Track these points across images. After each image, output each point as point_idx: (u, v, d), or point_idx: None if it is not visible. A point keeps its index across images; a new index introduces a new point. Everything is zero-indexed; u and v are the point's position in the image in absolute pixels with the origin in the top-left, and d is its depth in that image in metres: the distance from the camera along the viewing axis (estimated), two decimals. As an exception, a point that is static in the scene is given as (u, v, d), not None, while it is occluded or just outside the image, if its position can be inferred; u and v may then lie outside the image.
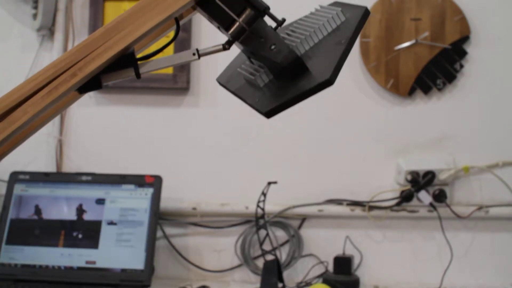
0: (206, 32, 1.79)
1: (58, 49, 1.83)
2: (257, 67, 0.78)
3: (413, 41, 1.68)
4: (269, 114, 0.70)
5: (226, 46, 0.75)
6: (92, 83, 0.72)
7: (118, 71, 0.74)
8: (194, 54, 0.77)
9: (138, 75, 0.75)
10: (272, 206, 1.68)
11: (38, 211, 1.65)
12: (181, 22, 0.80)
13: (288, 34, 0.79)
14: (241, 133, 1.77)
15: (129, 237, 1.61)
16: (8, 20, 1.87)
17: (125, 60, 0.73)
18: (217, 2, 0.73)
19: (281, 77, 0.73)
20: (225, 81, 0.87)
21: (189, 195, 1.75)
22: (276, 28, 0.76)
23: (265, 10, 0.74)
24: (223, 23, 0.73)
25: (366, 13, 0.74)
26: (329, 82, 0.66)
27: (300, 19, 0.83)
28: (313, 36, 0.76)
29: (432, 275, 1.67)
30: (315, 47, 0.75)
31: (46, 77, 0.70)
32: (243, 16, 0.73)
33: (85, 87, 0.73)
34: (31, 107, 0.70)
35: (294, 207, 1.71)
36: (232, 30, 0.73)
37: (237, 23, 0.73)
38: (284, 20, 0.76)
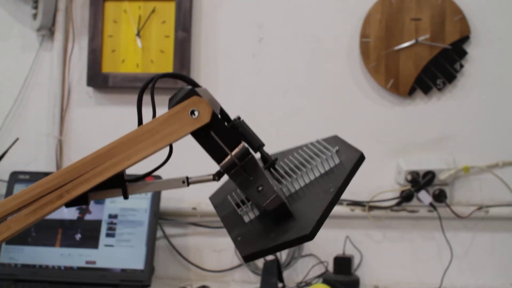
0: (206, 32, 1.79)
1: (58, 49, 1.83)
2: (245, 199, 0.78)
3: (413, 41, 1.68)
4: (247, 258, 0.69)
5: (216, 178, 0.74)
6: (79, 200, 0.73)
7: (106, 190, 0.74)
8: (183, 182, 0.77)
9: (126, 196, 0.75)
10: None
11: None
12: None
13: (281, 167, 0.79)
14: (241, 133, 1.77)
15: (129, 237, 1.61)
16: (8, 20, 1.87)
17: (114, 180, 0.73)
18: (212, 135, 0.73)
19: (266, 217, 0.72)
20: (215, 204, 0.86)
21: (189, 195, 1.74)
22: (267, 167, 0.75)
23: (259, 147, 0.75)
24: (216, 156, 0.73)
25: (360, 159, 0.74)
26: (308, 237, 0.66)
27: (297, 150, 0.83)
28: (305, 176, 0.76)
29: (432, 275, 1.67)
30: (306, 187, 0.75)
31: (32, 196, 0.71)
32: (236, 150, 0.73)
33: (71, 203, 0.73)
34: (15, 223, 0.70)
35: (294, 207, 1.70)
36: (223, 163, 0.73)
37: (229, 157, 0.73)
38: (276, 159, 0.76)
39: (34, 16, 1.81)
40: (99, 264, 1.59)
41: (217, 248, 1.76)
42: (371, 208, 1.69)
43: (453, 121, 1.71)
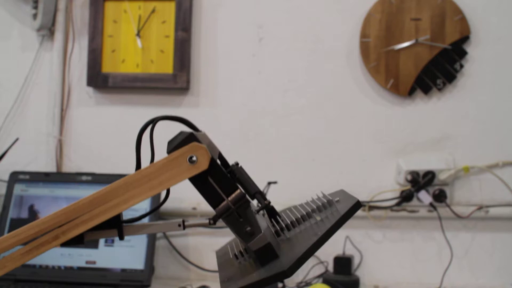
0: (206, 32, 1.79)
1: (58, 49, 1.83)
2: (243, 249, 0.80)
3: (413, 41, 1.68)
4: None
5: (211, 222, 0.76)
6: (74, 240, 0.73)
7: (102, 231, 0.75)
8: (179, 225, 0.77)
9: (121, 237, 0.76)
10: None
11: (38, 211, 1.65)
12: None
13: (284, 219, 0.80)
14: (241, 133, 1.77)
15: (129, 237, 1.61)
16: (8, 20, 1.87)
17: (110, 221, 0.74)
18: (210, 181, 0.73)
19: (256, 259, 0.74)
20: (219, 255, 0.90)
21: (189, 195, 1.73)
22: (259, 210, 0.77)
23: (256, 194, 0.76)
24: (212, 202, 0.74)
25: (355, 206, 0.75)
26: (285, 274, 0.68)
27: (302, 204, 0.85)
28: (301, 223, 0.78)
29: (432, 275, 1.67)
30: (300, 233, 0.76)
31: (28, 235, 0.71)
32: (232, 196, 0.73)
33: (67, 243, 0.74)
34: (10, 262, 0.71)
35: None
36: (219, 208, 0.74)
37: (225, 202, 0.74)
38: (269, 202, 0.77)
39: (34, 16, 1.81)
40: (99, 264, 1.59)
41: (217, 248, 1.75)
42: (371, 208, 1.69)
43: (453, 121, 1.71)
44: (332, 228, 0.73)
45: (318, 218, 0.78)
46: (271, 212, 0.79)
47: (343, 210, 0.75)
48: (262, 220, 0.78)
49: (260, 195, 0.76)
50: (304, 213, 0.80)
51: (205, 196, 0.74)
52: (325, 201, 0.81)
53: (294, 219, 0.79)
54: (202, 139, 0.74)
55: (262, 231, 0.73)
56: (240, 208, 0.73)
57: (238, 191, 0.73)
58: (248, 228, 0.73)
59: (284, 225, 0.77)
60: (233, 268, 0.77)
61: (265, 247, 0.72)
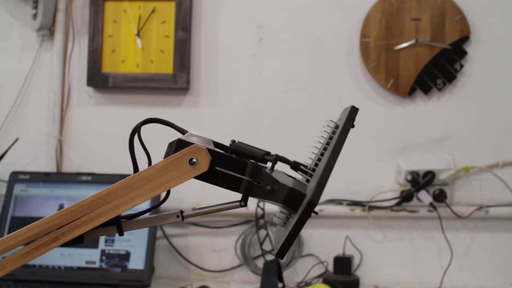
0: (206, 32, 1.79)
1: (58, 49, 1.83)
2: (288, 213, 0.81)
3: (413, 41, 1.68)
4: (278, 255, 0.71)
5: (242, 203, 0.76)
6: (74, 240, 0.74)
7: (101, 228, 0.75)
8: (178, 216, 0.77)
9: (121, 234, 0.76)
10: (272, 206, 1.68)
11: (38, 211, 1.65)
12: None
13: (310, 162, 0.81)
14: (241, 133, 1.77)
15: (129, 237, 1.61)
16: (8, 20, 1.87)
17: (109, 219, 0.74)
18: (221, 171, 0.74)
19: (291, 210, 0.75)
20: (274, 232, 0.91)
21: (189, 195, 1.74)
22: (272, 166, 0.78)
23: (264, 157, 0.77)
24: (232, 186, 0.75)
25: (351, 112, 0.76)
26: (312, 204, 0.68)
27: (318, 142, 0.86)
28: (317, 157, 0.79)
29: (432, 275, 1.67)
30: (317, 165, 0.77)
31: (28, 236, 0.72)
32: (247, 171, 0.75)
33: (67, 243, 0.74)
34: (10, 263, 0.72)
35: (294, 207, 1.70)
36: (241, 188, 0.75)
37: (244, 180, 0.75)
38: (277, 155, 0.78)
39: (34, 16, 1.81)
40: (99, 264, 1.59)
41: (217, 248, 1.76)
42: (371, 208, 1.69)
43: (453, 121, 1.71)
44: (337, 144, 0.74)
45: (330, 144, 0.79)
46: (295, 166, 0.80)
47: (342, 123, 0.77)
48: (285, 177, 0.79)
49: (267, 155, 0.78)
50: (322, 149, 0.81)
51: (223, 185, 0.75)
52: (333, 127, 0.82)
53: (316, 161, 0.80)
54: (195, 140, 0.75)
55: (280, 182, 0.74)
56: (256, 176, 0.75)
57: (249, 164, 0.75)
58: (268, 187, 0.74)
59: (310, 171, 0.78)
60: (281, 232, 0.78)
61: (289, 193, 0.73)
